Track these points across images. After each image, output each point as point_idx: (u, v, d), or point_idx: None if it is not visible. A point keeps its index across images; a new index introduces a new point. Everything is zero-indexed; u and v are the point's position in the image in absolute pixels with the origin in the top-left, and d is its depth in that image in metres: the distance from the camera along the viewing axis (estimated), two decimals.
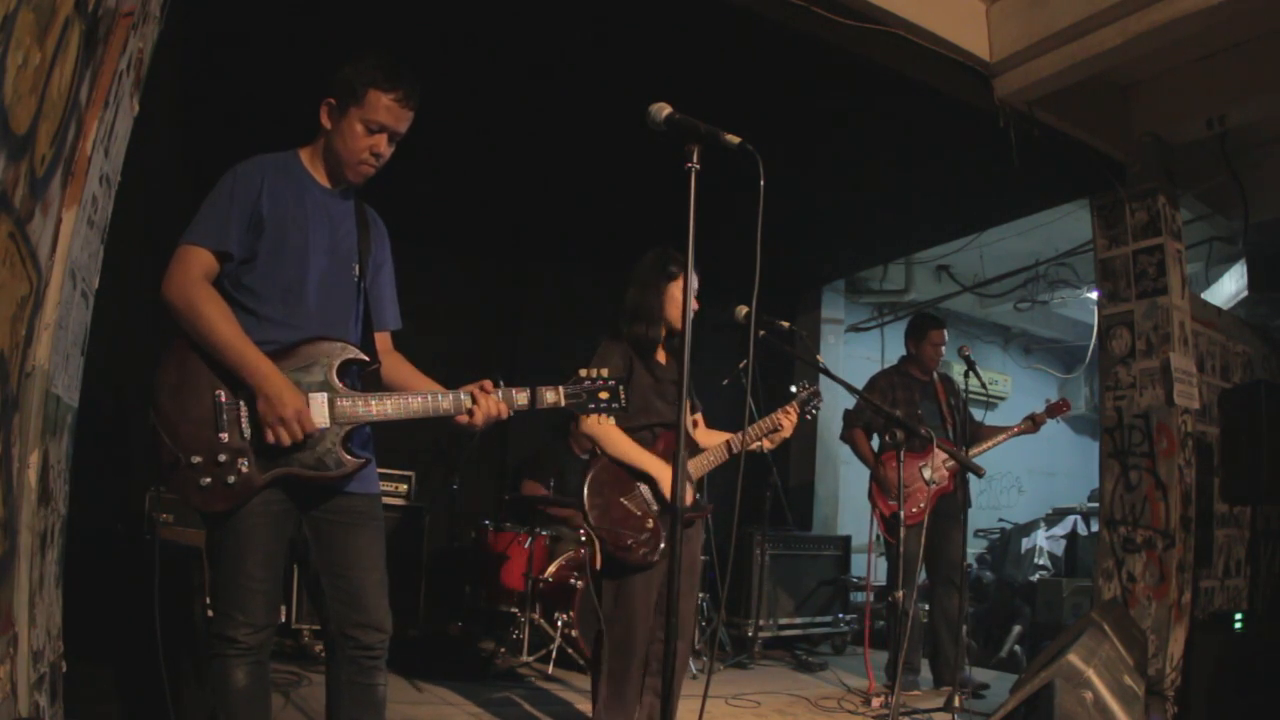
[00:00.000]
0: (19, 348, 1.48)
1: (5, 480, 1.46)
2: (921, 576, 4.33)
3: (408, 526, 4.62)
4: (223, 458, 1.77)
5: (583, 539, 4.34)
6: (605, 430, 2.65)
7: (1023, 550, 6.99)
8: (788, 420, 2.88)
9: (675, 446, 1.72)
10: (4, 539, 1.47)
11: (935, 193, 5.02)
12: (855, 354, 7.63)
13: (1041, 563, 6.81)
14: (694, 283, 2.04)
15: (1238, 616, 4.09)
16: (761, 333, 2.90)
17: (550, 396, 2.02)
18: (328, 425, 1.85)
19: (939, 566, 4.31)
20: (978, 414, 4.73)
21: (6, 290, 1.37)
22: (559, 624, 4.11)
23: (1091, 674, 2.45)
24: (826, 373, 3.15)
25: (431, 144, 4.21)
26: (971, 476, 3.89)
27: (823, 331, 7.13)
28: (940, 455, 4.10)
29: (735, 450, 2.77)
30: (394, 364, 2.11)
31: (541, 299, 6.12)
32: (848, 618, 5.68)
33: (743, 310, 2.78)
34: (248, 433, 1.81)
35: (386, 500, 3.38)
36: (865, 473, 4.48)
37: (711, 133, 1.74)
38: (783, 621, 5.29)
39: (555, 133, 4.37)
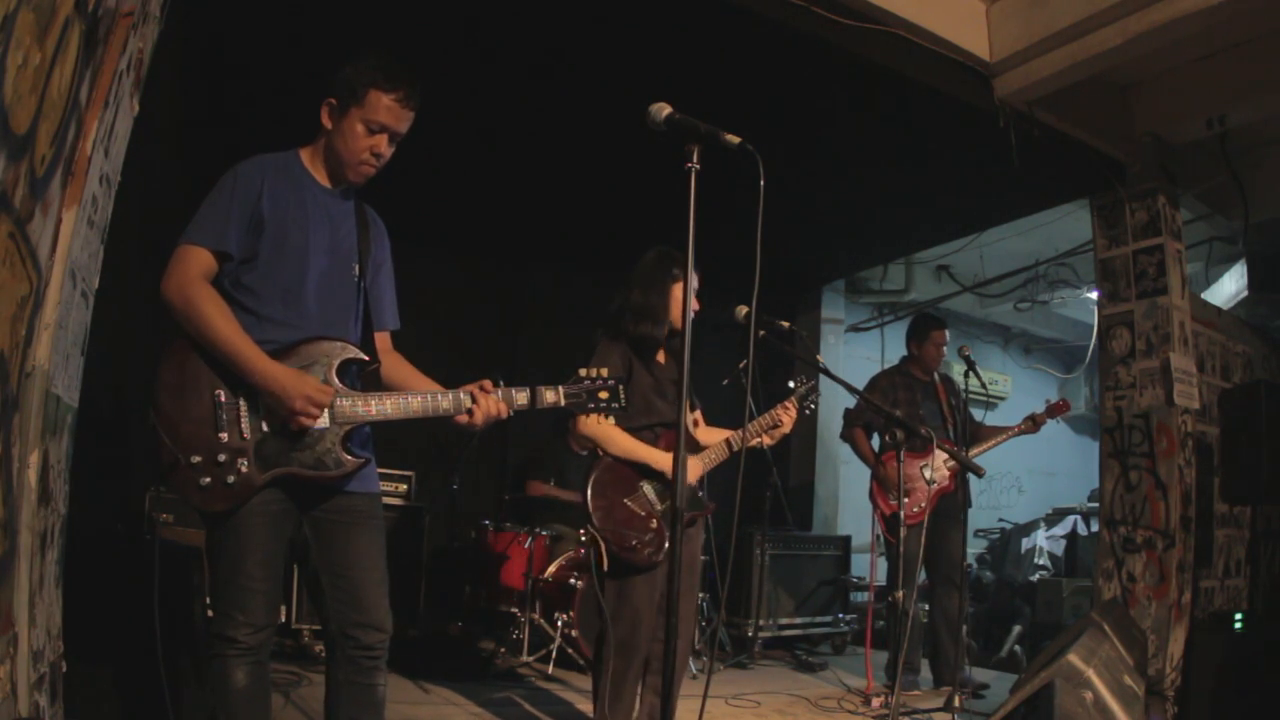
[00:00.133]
0: (19, 348, 1.48)
1: (5, 480, 1.46)
2: (921, 576, 4.33)
3: (407, 526, 4.62)
4: (222, 458, 1.78)
5: (583, 539, 4.34)
6: (605, 430, 2.64)
7: (1023, 550, 6.99)
8: (787, 415, 2.88)
9: (676, 445, 1.72)
10: (4, 539, 1.47)
11: (935, 193, 5.01)
12: (855, 354, 7.64)
13: (1041, 563, 6.81)
14: (694, 282, 2.03)
15: (1238, 616, 4.09)
16: (761, 333, 2.90)
17: (550, 396, 2.02)
18: (327, 425, 1.86)
19: (939, 566, 4.31)
20: (978, 414, 4.73)
21: (6, 290, 1.37)
22: (559, 624, 4.11)
23: (1091, 674, 2.45)
24: (827, 373, 3.15)
25: (431, 144, 4.20)
26: (972, 476, 3.89)
27: (823, 331, 7.13)
28: (941, 455, 4.10)
29: (736, 448, 2.77)
30: (394, 364, 2.12)
31: (541, 299, 6.12)
32: (848, 618, 5.68)
33: (743, 310, 2.78)
34: (247, 433, 1.81)
35: (386, 500, 3.39)
36: (865, 472, 4.48)
37: (711, 133, 1.74)
38: (783, 621, 5.28)
39: (555, 133, 4.37)
